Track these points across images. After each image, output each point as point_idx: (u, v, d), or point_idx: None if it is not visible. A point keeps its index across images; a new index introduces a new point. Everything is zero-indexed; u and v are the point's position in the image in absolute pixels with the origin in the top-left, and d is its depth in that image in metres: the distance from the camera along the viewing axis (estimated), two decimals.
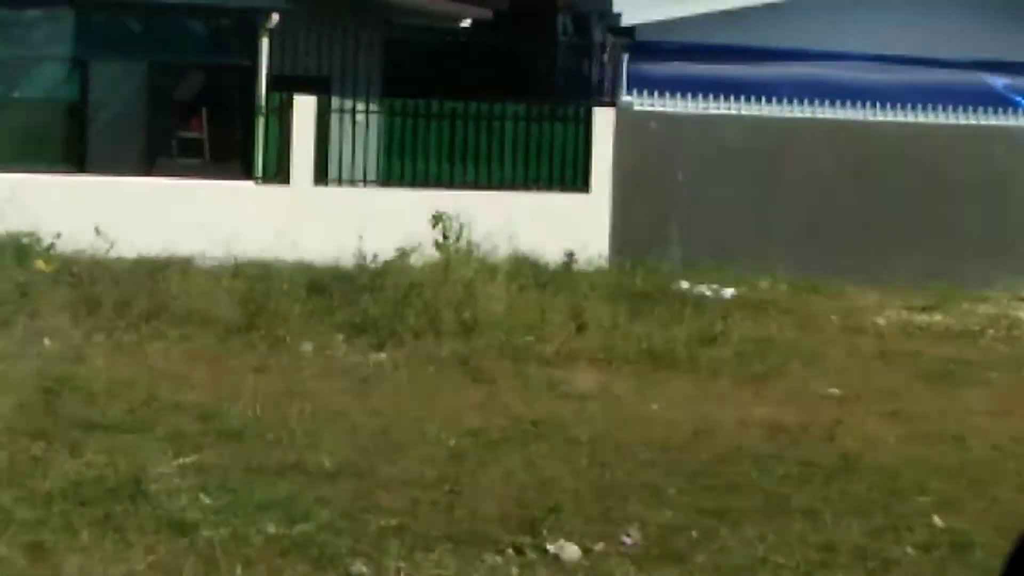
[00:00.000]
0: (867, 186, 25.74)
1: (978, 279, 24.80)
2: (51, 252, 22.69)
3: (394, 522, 11.94)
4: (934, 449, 15.41)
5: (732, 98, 25.85)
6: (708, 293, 24.28)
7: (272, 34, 24.55)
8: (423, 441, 14.73)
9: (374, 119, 25.04)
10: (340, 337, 19.44)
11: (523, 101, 25.68)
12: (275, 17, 24.29)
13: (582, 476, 13.86)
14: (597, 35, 25.36)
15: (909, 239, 25.46)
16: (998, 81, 26.83)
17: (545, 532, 11.82)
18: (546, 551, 11.62)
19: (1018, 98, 26.91)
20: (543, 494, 13.01)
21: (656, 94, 25.58)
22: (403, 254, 22.85)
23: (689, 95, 25.81)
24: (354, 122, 25.18)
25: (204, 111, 24.50)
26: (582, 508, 12.57)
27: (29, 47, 25.79)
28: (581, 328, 19.83)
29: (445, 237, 22.75)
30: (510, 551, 11.52)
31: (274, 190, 24.54)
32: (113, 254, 23.04)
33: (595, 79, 25.70)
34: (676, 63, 25.67)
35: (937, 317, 24.22)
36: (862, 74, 26.29)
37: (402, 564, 10.96)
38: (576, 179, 25.76)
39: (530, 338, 19.67)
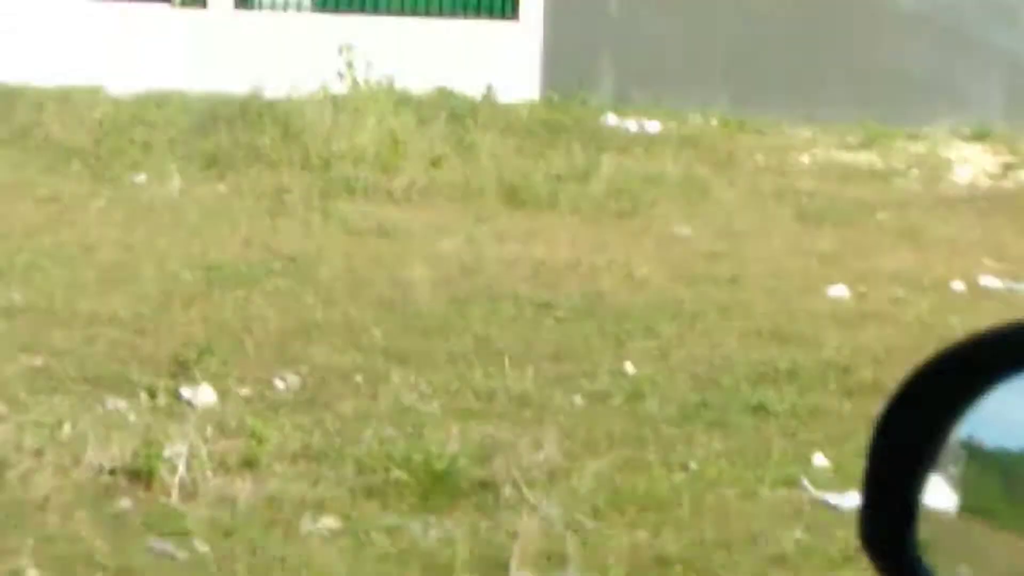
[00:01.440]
0: (809, 16, 24.08)
1: (921, 116, 23.07)
2: None
3: (39, 362, 11.25)
4: (694, 290, 13.95)
5: None
6: (630, 126, 22.73)
7: None
8: (156, 276, 13.15)
9: None
10: (174, 167, 17.68)
11: None
12: None
13: (292, 314, 12.94)
14: None
15: (852, 73, 24.22)
16: None
17: (197, 375, 11.08)
18: (179, 396, 10.82)
19: None
20: (229, 335, 12.09)
21: None
22: (294, 88, 21.94)
23: None
24: None
25: None
26: (260, 350, 11.18)
27: None
28: (436, 162, 18.27)
29: (349, 67, 21.28)
30: (143, 395, 10.35)
31: (191, 13, 22.97)
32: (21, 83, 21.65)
33: None
34: None
35: (866, 156, 22.71)
36: None
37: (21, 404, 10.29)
38: (504, 6, 23.65)
39: (379, 173, 18.10)
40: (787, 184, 20.89)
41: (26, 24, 22.62)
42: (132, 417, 10.27)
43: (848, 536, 8.28)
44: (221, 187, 17.53)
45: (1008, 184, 22.07)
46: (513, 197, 17.98)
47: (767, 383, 11.43)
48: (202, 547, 8.40)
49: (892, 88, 24.41)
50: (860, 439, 9.99)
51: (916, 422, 1.65)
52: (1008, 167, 22.92)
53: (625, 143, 22.67)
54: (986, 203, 20.85)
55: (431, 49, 23.56)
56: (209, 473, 9.16)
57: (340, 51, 21.52)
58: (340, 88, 21.73)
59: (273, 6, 23.99)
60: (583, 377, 11.45)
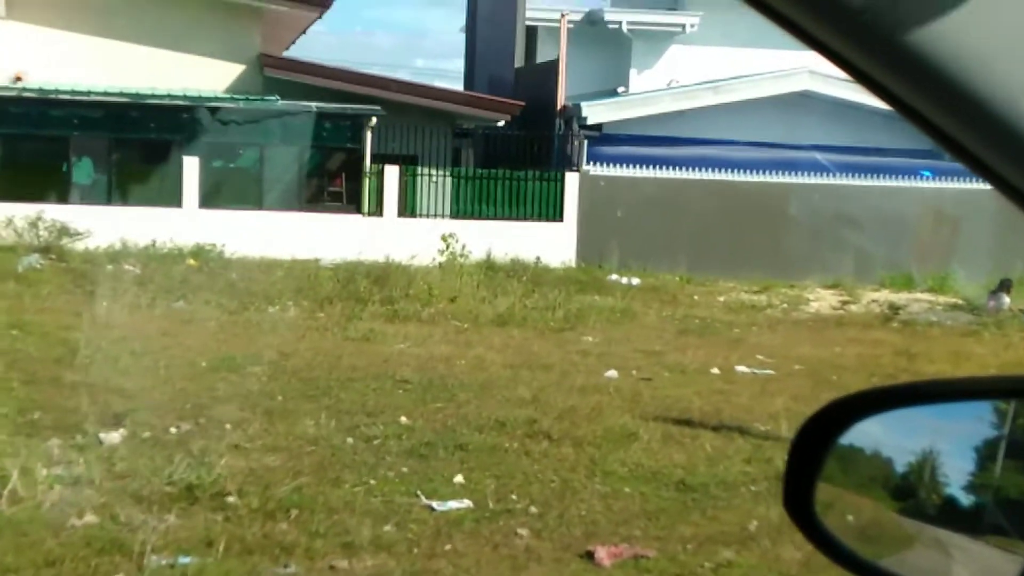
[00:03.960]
0: (735, 219, 23.05)
1: (799, 275, 21.62)
2: (211, 256, 20.22)
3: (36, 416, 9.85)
4: (514, 372, 11.93)
5: (655, 167, 22.79)
6: (624, 281, 21.54)
7: (372, 129, 22.10)
8: (187, 364, 11.72)
9: (445, 180, 22.36)
10: (291, 303, 16.34)
11: (532, 169, 22.71)
12: (374, 119, 21.80)
13: (231, 385, 10.96)
14: (575, 129, 22.28)
15: (759, 251, 22.36)
16: (821, 157, 22.81)
17: (127, 423, 9.63)
18: (99, 438, 9.41)
19: (831, 167, 23.01)
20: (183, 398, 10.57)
21: (609, 165, 22.53)
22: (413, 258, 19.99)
23: (628, 166, 22.78)
24: (431, 182, 22.43)
25: (343, 174, 21.89)
26: (187, 408, 9.76)
27: (237, 139, 23.19)
28: (453, 299, 16.61)
29: (447, 246, 20.03)
30: (78, 436, 9.48)
31: (373, 220, 22.07)
32: (269, 257, 21.12)
33: (572, 156, 22.47)
34: (624, 147, 22.60)
35: (760, 297, 20.86)
36: (737, 153, 22.76)
37: None
38: (555, 214, 22.74)
39: (418, 305, 16.45)
40: (694, 313, 19.06)
41: (280, 225, 21.53)
42: (56, 451, 8.52)
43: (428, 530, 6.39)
44: (320, 314, 15.75)
45: (842, 313, 19.71)
46: (500, 320, 16.14)
47: (486, 432, 9.28)
48: None
49: (784, 259, 22.98)
50: (500, 468, 7.99)
51: (811, 440, 1.56)
52: (845, 303, 21.00)
53: (615, 290, 20.95)
54: (812, 323, 18.43)
55: (511, 238, 22.12)
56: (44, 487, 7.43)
57: (443, 237, 20.03)
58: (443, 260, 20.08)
59: (425, 215, 22.58)
60: (368, 426, 9.39)
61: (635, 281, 22.69)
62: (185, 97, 23.13)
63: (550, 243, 23.83)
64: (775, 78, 24.59)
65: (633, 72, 26.75)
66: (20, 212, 21.14)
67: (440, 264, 21.02)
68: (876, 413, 1.59)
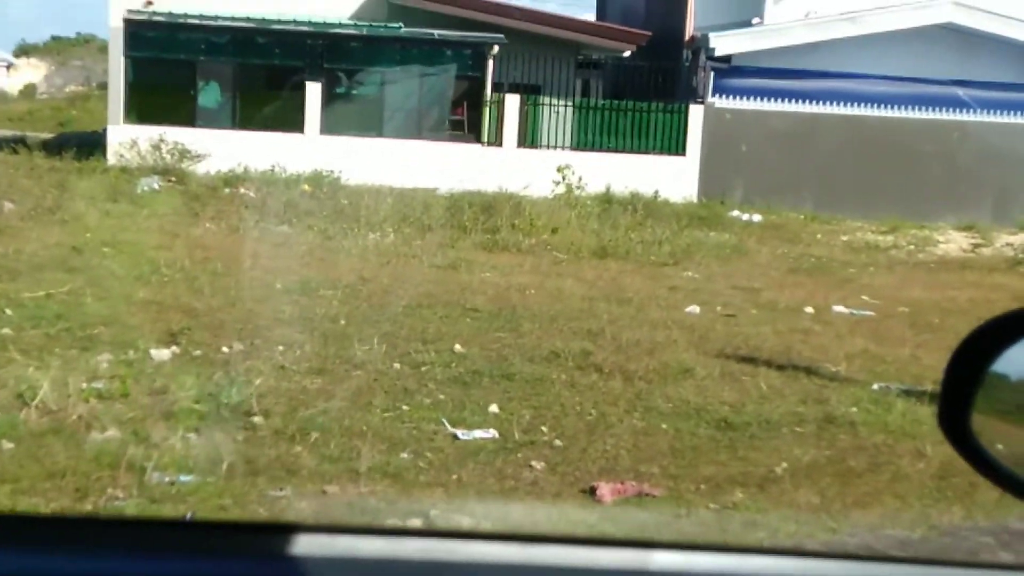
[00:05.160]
0: (867, 157, 22.31)
1: (934, 216, 20.72)
2: (327, 182, 20.32)
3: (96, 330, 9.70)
4: (592, 305, 11.68)
5: (785, 101, 22.14)
6: (745, 218, 21.01)
7: (495, 57, 21.92)
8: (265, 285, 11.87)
9: (568, 110, 22.04)
10: (391, 229, 16.34)
11: (656, 101, 22.29)
12: (496, 47, 21.58)
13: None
14: (702, 60, 21.72)
15: (891, 190, 21.70)
16: (962, 92, 21.72)
17: (182, 341, 9.60)
18: (149, 354, 9.27)
19: (972, 103, 21.88)
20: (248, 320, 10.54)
21: (736, 98, 21.99)
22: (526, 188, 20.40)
23: (756, 99, 22.17)
24: (554, 112, 22.16)
25: (464, 103, 21.76)
26: (245, 328, 9.86)
27: (360, 66, 23.59)
28: (555, 230, 16.37)
29: (563, 178, 19.83)
30: (130, 352, 9.20)
31: (493, 150, 21.85)
32: (385, 186, 20.74)
33: (698, 88, 21.93)
34: (753, 79, 21.96)
35: (886, 237, 20.13)
36: (872, 87, 21.86)
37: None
38: (679, 148, 22.28)
39: (520, 236, 16.28)
40: (811, 252, 18.41)
41: (400, 153, 21.55)
42: (103, 365, 8.58)
43: (443, 459, 6.68)
44: (417, 242, 15.62)
45: (972, 256, 18.84)
46: (602, 253, 15.80)
47: (538, 362, 9.03)
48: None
49: (917, 198, 21.97)
50: (540, 399, 7.79)
51: (970, 358, 1.55)
52: (976, 246, 19.86)
53: (733, 227, 20.38)
54: (935, 265, 17.65)
55: (633, 171, 21.77)
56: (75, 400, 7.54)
57: (558, 168, 19.81)
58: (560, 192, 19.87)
59: (546, 146, 22.29)
60: (420, 353, 9.23)
61: (756, 218, 22.00)
62: (310, 24, 23.15)
63: (672, 177, 23.25)
64: (915, 8, 23.43)
65: (769, 2, 25.79)
66: (145, 135, 21.53)
67: (555, 195, 20.70)
68: None
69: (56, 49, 54.02)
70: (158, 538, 1.49)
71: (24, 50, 53.64)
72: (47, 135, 29.72)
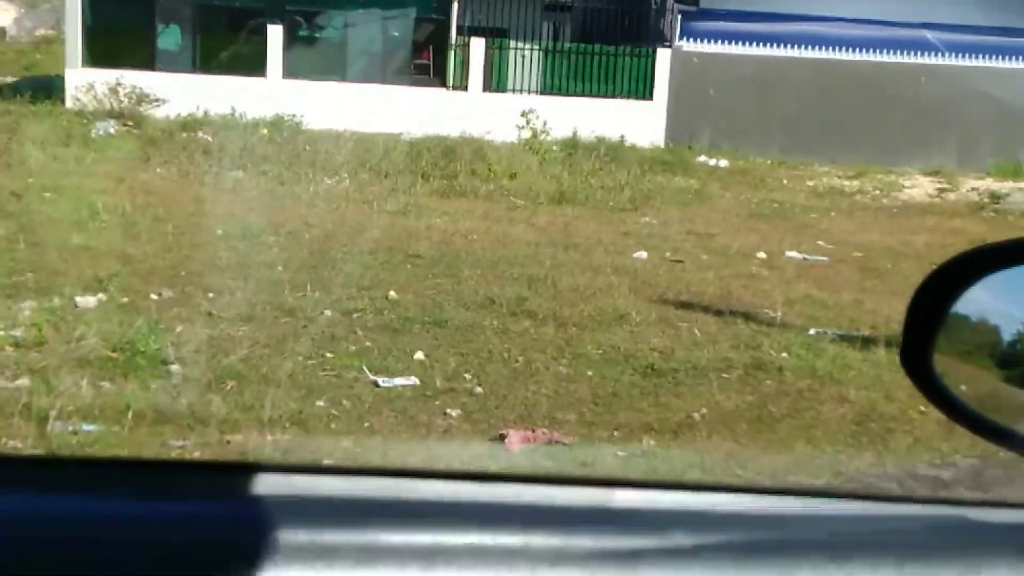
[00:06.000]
0: (834, 100, 21.92)
1: (900, 160, 20.48)
2: (287, 127, 20.00)
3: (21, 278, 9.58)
4: (537, 251, 11.51)
5: (753, 44, 21.83)
6: (712, 163, 20.77)
7: (460, 0, 21.64)
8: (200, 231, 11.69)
9: (534, 54, 21.73)
10: (346, 174, 16.14)
11: (625, 45, 22.04)
12: None
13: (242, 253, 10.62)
14: (669, 3, 21.54)
15: (859, 135, 21.46)
16: (931, 35, 21.49)
17: (109, 288, 9.37)
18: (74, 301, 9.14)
19: (941, 46, 21.65)
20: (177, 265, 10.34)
21: (704, 41, 21.65)
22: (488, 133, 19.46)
23: (724, 42, 21.87)
24: (520, 56, 21.84)
25: (430, 47, 21.49)
26: (173, 273, 9.70)
27: (322, 8, 23.30)
28: (512, 176, 16.13)
29: (527, 122, 19.56)
30: (55, 299, 9.11)
31: (458, 94, 21.53)
32: (347, 131, 20.37)
33: (665, 31, 21.68)
34: (722, 22, 21.68)
35: (853, 182, 19.94)
36: (842, 30, 21.63)
37: None
38: (646, 92, 21.93)
39: (477, 181, 16.05)
40: (774, 197, 18.25)
41: (363, 98, 21.23)
42: (26, 312, 8.40)
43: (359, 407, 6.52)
44: (373, 188, 15.41)
45: (937, 201, 18.72)
46: (560, 198, 15.59)
47: (472, 309, 8.87)
48: None
49: (885, 143, 21.77)
50: (468, 346, 7.66)
51: (933, 295, 1.54)
52: (942, 191, 19.74)
53: (698, 172, 20.13)
54: (898, 210, 17.54)
55: (600, 116, 21.44)
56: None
57: (522, 113, 19.52)
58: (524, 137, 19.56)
59: (512, 91, 22.03)
60: (354, 300, 9.05)
61: (723, 163, 21.81)
62: None
63: (639, 122, 23.01)
64: None
65: None
66: (103, 79, 21.22)
67: (521, 141, 20.45)
68: (1000, 269, 1.54)
69: None
70: (111, 477, 1.47)
71: None
72: (9, 79, 29.28)
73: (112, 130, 19.06)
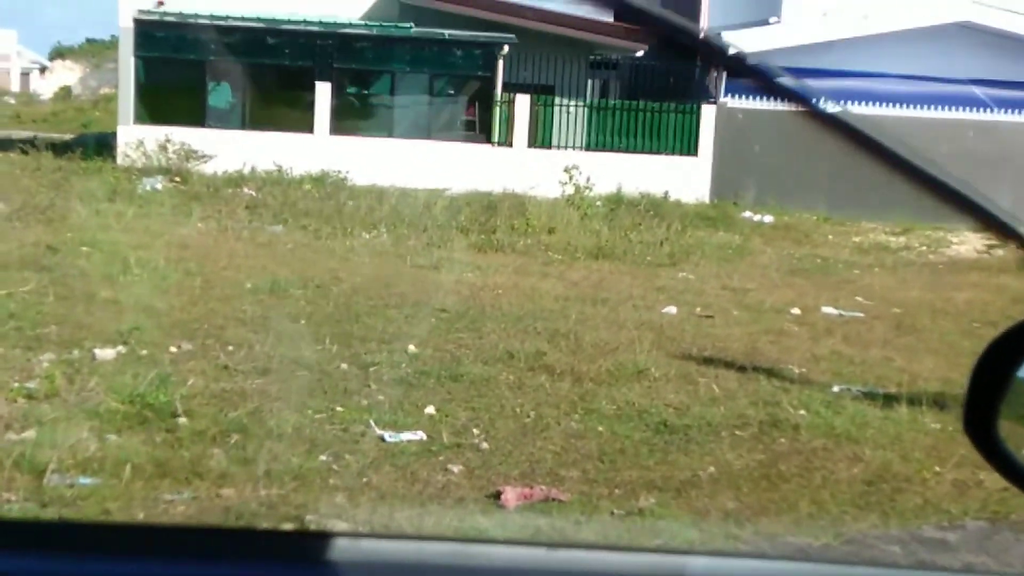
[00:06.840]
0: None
1: (952, 218, 19.77)
2: (332, 182, 20.18)
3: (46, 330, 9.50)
4: (563, 306, 11.40)
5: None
6: (756, 218, 20.58)
7: (505, 57, 21.73)
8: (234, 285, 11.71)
9: (579, 110, 21.77)
10: (384, 228, 16.17)
11: (670, 101, 22.03)
12: (506, 47, 21.40)
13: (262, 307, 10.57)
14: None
15: (908, 191, 20.54)
16: (979, 91, 21.27)
17: (130, 341, 9.35)
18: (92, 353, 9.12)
19: (990, 102, 21.42)
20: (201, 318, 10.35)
21: (749, 97, 21.46)
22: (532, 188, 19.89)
23: (769, 98, 21.49)
24: (565, 112, 21.89)
25: (475, 103, 21.56)
26: (193, 327, 9.68)
27: (370, 66, 23.41)
28: (551, 231, 16.09)
29: (570, 178, 19.55)
30: (75, 351, 9.09)
31: (503, 150, 21.66)
32: (392, 186, 20.52)
33: (710, 87, 21.64)
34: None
35: (899, 238, 19.69)
36: (887, 86, 21.43)
37: None
38: (691, 148, 21.89)
39: (516, 236, 16.01)
40: (817, 253, 18.06)
41: (408, 153, 21.40)
42: (44, 365, 8.40)
43: (361, 462, 6.56)
44: (410, 242, 15.40)
45: (984, 257, 18.41)
46: (597, 253, 15.47)
47: (490, 363, 8.76)
48: None
49: (934, 200, 21.03)
50: (481, 401, 7.55)
51: (997, 360, 1.53)
52: (991, 247, 19.31)
53: (742, 228, 20.01)
54: (943, 266, 17.24)
55: (644, 172, 21.48)
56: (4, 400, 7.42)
57: (565, 169, 19.50)
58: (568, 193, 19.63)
59: (558, 147, 22.07)
60: (372, 354, 8.98)
61: (768, 219, 21.61)
62: (321, 24, 23.02)
63: (684, 178, 22.89)
64: (932, 6, 22.98)
65: (787, 1, 25.43)
66: (153, 135, 21.48)
67: (564, 196, 20.38)
68: None
69: (91, 51, 54.35)
70: (190, 543, 1.49)
71: (59, 53, 54.02)
72: (68, 136, 29.76)
73: (159, 186, 19.23)
